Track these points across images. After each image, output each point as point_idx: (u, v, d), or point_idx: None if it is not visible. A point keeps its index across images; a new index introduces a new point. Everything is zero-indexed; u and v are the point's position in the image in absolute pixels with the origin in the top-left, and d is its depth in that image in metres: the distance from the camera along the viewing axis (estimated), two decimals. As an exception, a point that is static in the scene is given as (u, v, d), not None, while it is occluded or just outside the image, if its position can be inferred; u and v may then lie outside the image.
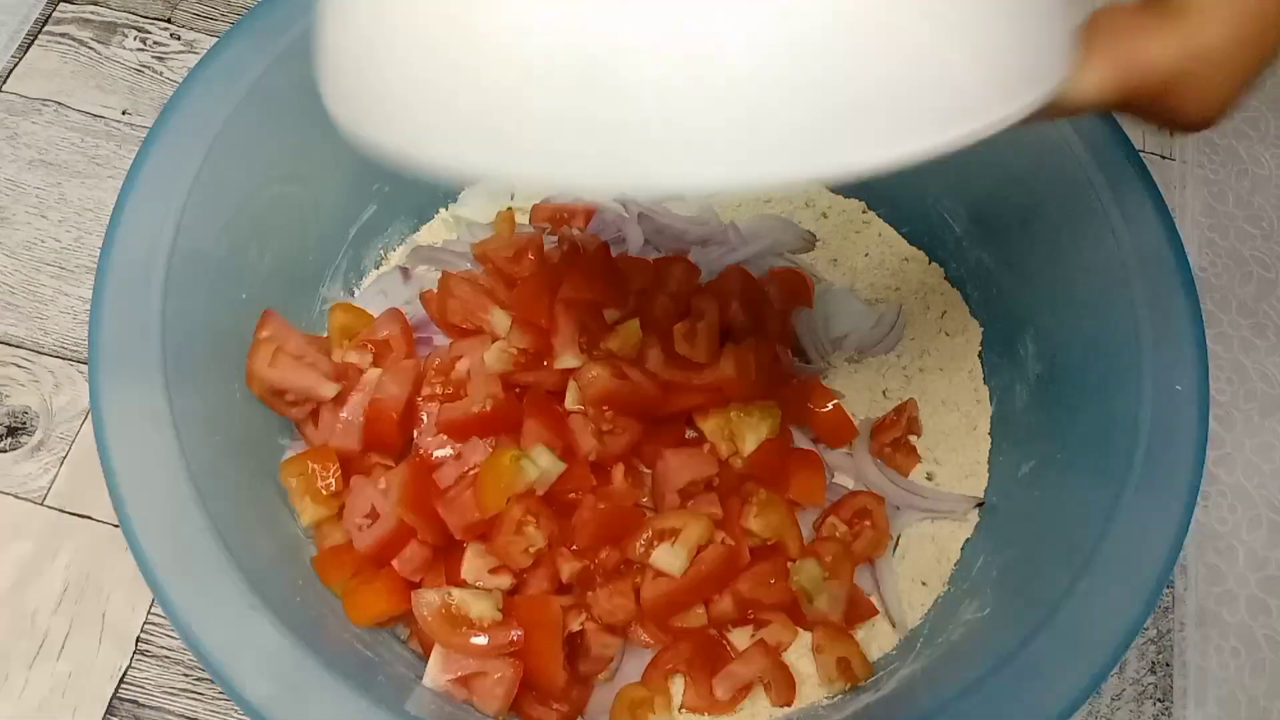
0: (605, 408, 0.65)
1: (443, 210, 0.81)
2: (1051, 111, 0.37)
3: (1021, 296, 0.71)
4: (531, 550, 0.61)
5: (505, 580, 0.62)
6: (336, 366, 0.67)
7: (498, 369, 0.67)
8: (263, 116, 0.63)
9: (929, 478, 0.73)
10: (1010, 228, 0.71)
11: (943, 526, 0.71)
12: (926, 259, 0.79)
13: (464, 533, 0.62)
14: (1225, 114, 0.39)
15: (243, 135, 0.62)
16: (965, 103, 0.33)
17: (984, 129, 0.34)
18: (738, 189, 0.33)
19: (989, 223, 0.73)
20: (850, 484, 0.72)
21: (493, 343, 0.68)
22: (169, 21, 0.91)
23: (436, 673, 0.60)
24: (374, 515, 0.63)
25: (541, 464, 0.62)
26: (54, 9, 0.90)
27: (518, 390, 0.68)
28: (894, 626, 0.67)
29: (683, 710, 0.65)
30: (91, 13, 0.91)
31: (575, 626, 0.62)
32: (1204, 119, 0.39)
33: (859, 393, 0.75)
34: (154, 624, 0.69)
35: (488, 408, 0.65)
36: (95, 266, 0.57)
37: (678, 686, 0.66)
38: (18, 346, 0.77)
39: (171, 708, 0.67)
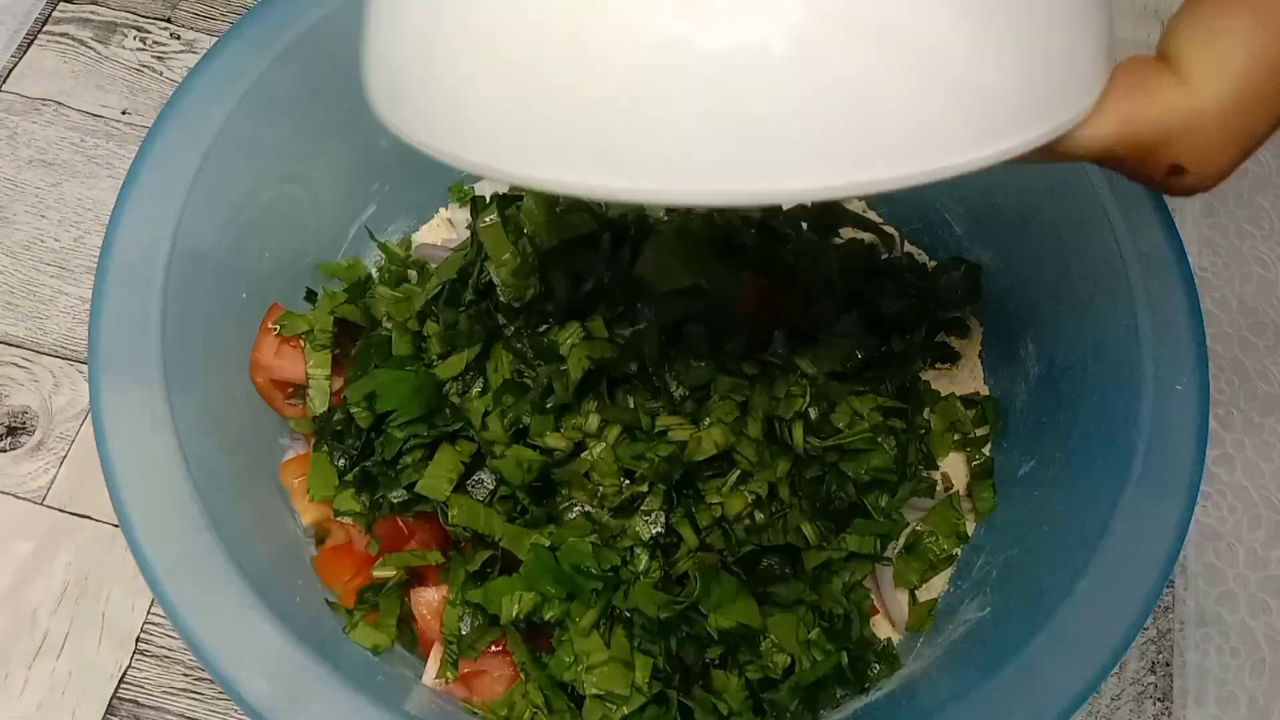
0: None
1: (443, 210, 0.81)
2: (1050, 152, 0.36)
3: (1021, 296, 0.71)
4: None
5: (505, 580, 0.63)
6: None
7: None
8: (263, 116, 0.63)
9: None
10: (1010, 228, 0.71)
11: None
12: (927, 259, 0.79)
13: (464, 532, 0.62)
14: (1221, 178, 0.38)
15: (243, 135, 0.62)
16: (995, 120, 0.32)
17: (1000, 153, 0.33)
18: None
19: (989, 223, 0.73)
20: (850, 484, 0.72)
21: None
22: (169, 21, 0.91)
23: (436, 672, 0.60)
24: (374, 515, 0.63)
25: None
26: (54, 9, 0.90)
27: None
28: (894, 626, 0.67)
29: (682, 710, 0.65)
30: (91, 12, 0.91)
31: (575, 626, 0.63)
32: (1200, 183, 0.39)
33: (859, 392, 0.75)
34: (154, 624, 0.69)
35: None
36: (95, 266, 0.57)
37: (678, 686, 0.66)
38: (18, 346, 0.77)
39: (171, 708, 0.67)
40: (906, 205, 0.79)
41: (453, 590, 0.60)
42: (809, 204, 0.79)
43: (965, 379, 0.76)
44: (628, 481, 0.58)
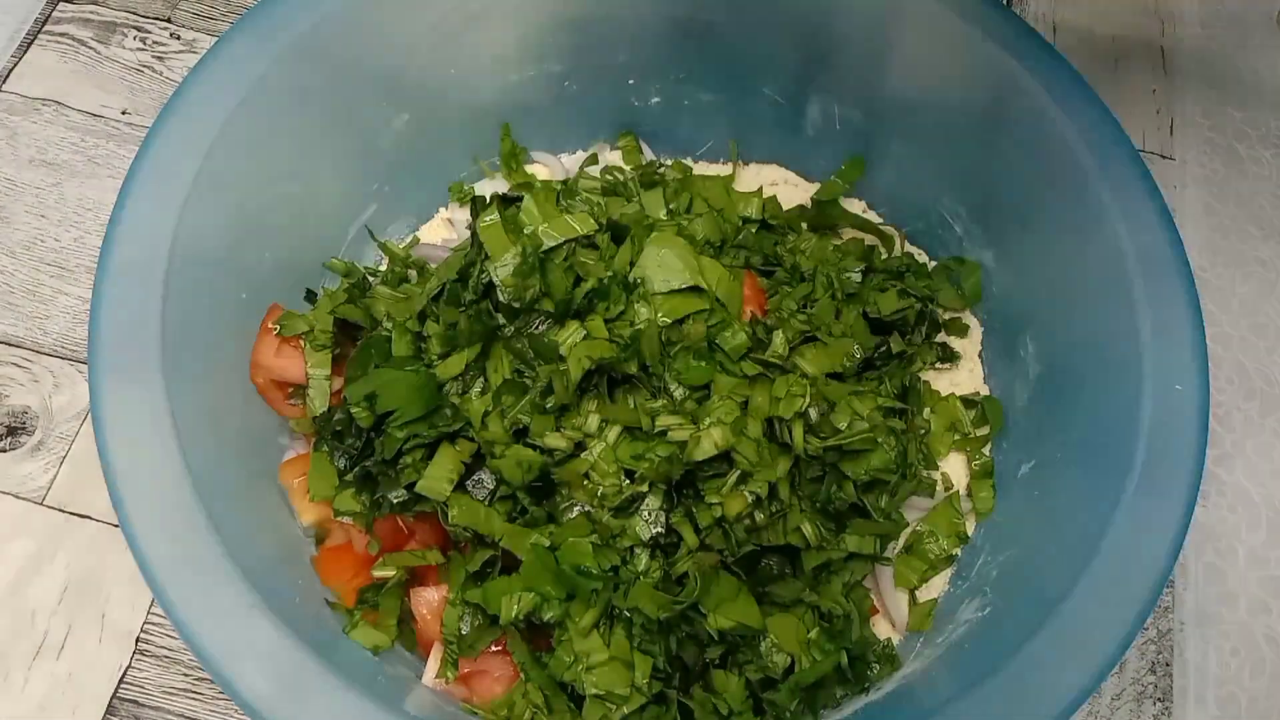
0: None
1: (442, 210, 0.81)
2: None
3: (1021, 296, 0.71)
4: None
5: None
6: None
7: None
8: (263, 116, 0.63)
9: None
10: (1010, 228, 0.71)
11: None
12: (927, 259, 0.79)
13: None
14: None
15: (243, 135, 0.62)
16: None
17: None
18: None
19: (989, 222, 0.73)
20: (850, 484, 0.72)
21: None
22: (169, 21, 0.91)
23: (436, 671, 0.60)
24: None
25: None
26: (54, 9, 0.90)
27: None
28: (894, 626, 0.67)
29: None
30: (91, 12, 0.91)
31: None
32: None
33: (859, 393, 0.75)
34: (154, 624, 0.69)
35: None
36: (95, 266, 0.57)
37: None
38: (18, 346, 0.77)
39: (171, 708, 0.67)
40: (906, 205, 0.79)
41: (453, 590, 0.60)
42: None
43: (965, 379, 0.76)
44: (628, 481, 0.59)
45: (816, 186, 0.82)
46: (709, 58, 0.77)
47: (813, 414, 0.61)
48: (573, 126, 0.82)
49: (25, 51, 0.88)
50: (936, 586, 0.69)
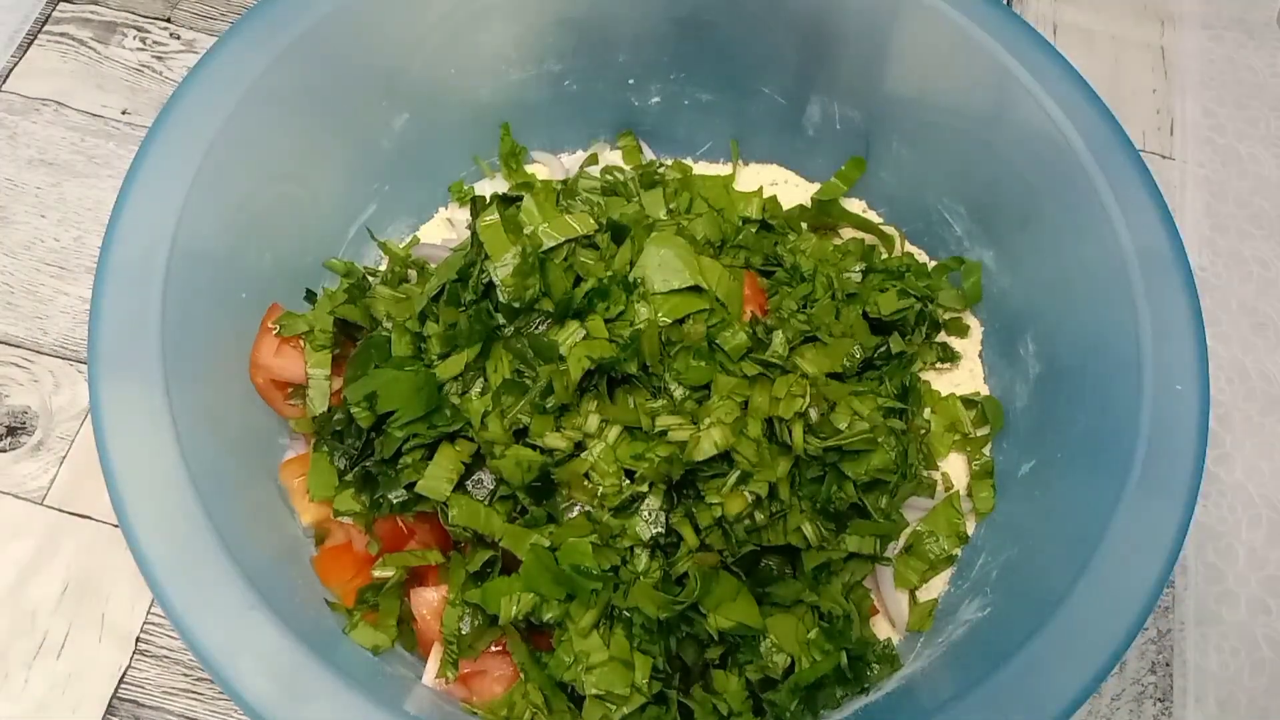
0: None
1: (442, 210, 0.81)
2: None
3: (1021, 296, 0.71)
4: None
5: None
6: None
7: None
8: (263, 116, 0.63)
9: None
10: (1010, 228, 0.71)
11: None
12: (927, 259, 0.79)
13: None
14: None
15: (243, 135, 0.62)
16: None
17: None
18: None
19: (989, 222, 0.73)
20: (850, 484, 0.72)
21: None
22: (169, 21, 0.91)
23: (436, 671, 0.60)
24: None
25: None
26: (54, 9, 0.90)
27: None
28: (894, 626, 0.67)
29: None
30: (91, 12, 0.91)
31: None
32: None
33: (859, 393, 0.75)
34: (154, 624, 0.69)
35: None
36: (95, 266, 0.57)
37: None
38: (18, 346, 0.78)
39: (171, 707, 0.67)
40: (906, 205, 0.79)
41: (453, 590, 0.60)
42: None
43: (965, 379, 0.76)
44: (628, 481, 0.59)
45: (816, 186, 0.82)
46: (709, 58, 0.77)
47: (813, 414, 0.61)
48: (572, 126, 0.82)
49: (25, 51, 0.88)
50: (937, 586, 0.69)
